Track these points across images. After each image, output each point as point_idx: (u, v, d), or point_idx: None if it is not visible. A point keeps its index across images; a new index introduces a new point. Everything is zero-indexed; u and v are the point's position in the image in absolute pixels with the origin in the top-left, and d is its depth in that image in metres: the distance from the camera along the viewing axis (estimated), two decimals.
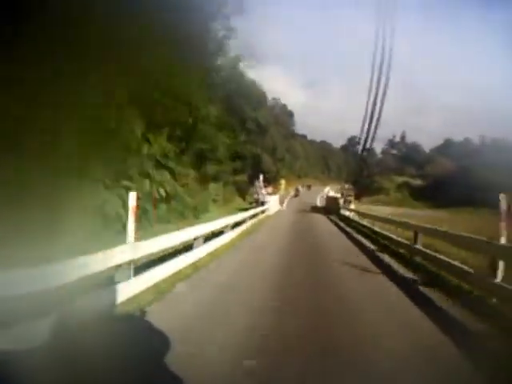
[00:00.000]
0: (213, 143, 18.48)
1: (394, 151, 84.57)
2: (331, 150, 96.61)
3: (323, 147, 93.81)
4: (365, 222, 13.56)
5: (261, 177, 24.81)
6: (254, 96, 32.01)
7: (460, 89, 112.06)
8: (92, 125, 6.12)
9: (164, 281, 4.54)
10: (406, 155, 72.73)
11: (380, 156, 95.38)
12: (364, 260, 7.22)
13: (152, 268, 4.48)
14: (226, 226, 8.79)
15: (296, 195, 36.49)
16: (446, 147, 62.01)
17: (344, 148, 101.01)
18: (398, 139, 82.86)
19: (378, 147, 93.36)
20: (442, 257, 5.93)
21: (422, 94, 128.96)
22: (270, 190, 27.38)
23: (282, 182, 38.13)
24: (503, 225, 4.28)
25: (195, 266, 5.64)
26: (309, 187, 49.13)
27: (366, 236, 11.17)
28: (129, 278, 3.83)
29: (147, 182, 10.94)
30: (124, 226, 3.96)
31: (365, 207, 24.89)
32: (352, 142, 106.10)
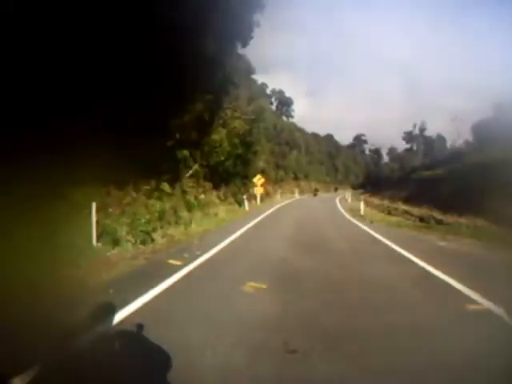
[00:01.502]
0: None
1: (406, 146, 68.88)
2: (338, 148, 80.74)
3: (329, 143, 76.00)
4: None
5: None
6: None
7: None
8: None
9: None
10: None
11: (386, 157, 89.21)
12: None
13: None
14: None
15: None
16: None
17: (351, 147, 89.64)
18: (416, 131, 66.07)
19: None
20: None
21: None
22: None
23: (258, 180, 20.99)
24: None
25: None
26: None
27: None
28: None
29: None
30: None
31: None
32: (358, 140, 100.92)
